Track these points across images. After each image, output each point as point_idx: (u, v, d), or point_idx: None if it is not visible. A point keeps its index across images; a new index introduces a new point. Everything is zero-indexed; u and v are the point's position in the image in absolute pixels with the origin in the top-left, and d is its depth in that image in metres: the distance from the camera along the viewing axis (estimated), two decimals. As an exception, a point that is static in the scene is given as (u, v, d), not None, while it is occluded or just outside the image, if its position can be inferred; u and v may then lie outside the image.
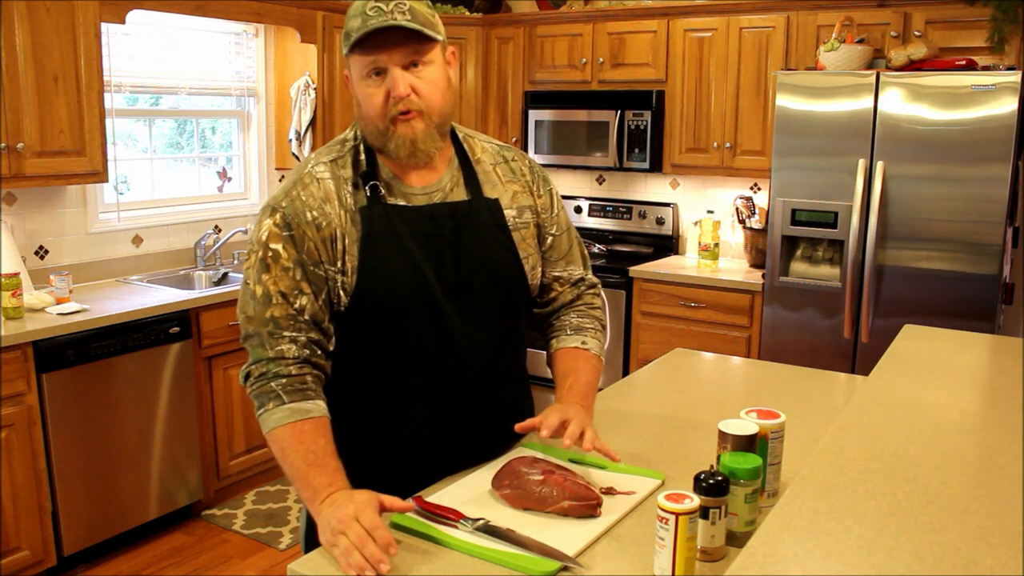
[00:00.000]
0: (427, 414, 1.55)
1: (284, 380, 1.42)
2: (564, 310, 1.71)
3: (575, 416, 1.46)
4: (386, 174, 1.53)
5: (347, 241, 1.47)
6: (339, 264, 1.47)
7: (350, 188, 1.50)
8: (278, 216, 1.46)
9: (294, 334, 1.44)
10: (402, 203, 1.52)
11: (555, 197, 1.70)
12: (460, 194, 1.57)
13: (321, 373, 1.48)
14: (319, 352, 1.47)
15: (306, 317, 1.45)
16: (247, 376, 1.46)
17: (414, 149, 1.47)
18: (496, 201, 1.59)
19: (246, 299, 1.47)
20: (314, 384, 1.45)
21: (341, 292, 1.48)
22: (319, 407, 1.43)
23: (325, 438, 1.41)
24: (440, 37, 1.45)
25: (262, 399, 1.43)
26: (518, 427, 1.46)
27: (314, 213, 1.46)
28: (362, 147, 1.53)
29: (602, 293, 1.79)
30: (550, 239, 1.68)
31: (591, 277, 1.76)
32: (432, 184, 1.55)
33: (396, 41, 1.41)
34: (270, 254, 1.45)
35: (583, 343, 1.66)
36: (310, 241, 1.46)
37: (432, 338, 1.51)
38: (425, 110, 1.46)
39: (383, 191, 1.51)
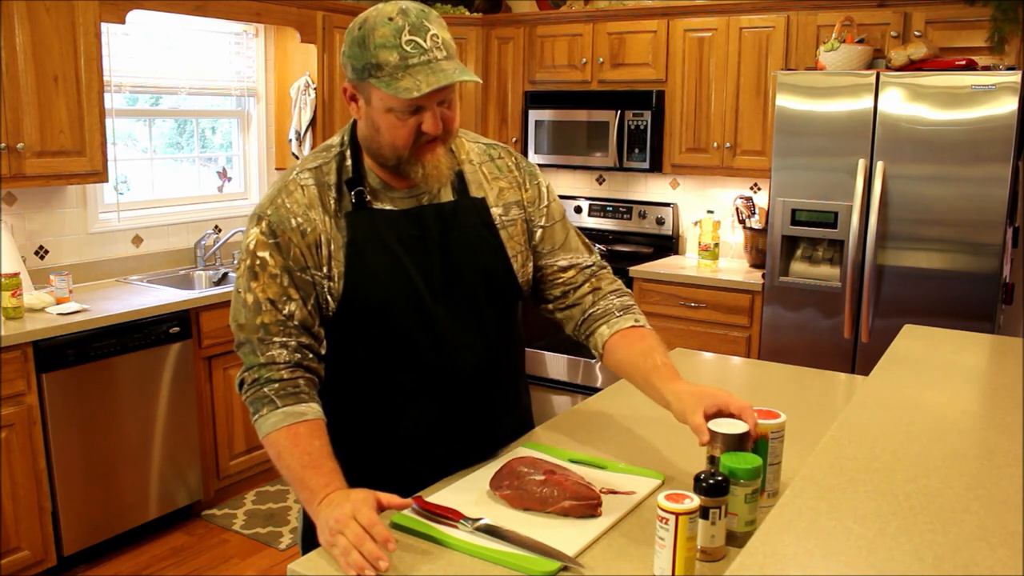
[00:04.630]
0: (422, 416, 1.55)
1: (276, 385, 1.43)
2: (596, 297, 1.65)
3: (729, 397, 1.39)
4: (373, 179, 1.52)
5: (332, 247, 1.47)
6: (325, 269, 1.47)
7: (335, 193, 1.49)
8: (264, 224, 1.47)
9: (284, 339, 1.45)
10: (389, 207, 1.52)
11: (543, 190, 1.67)
12: (447, 195, 1.56)
13: (314, 376, 1.49)
14: (311, 355, 1.48)
15: (295, 322, 1.46)
16: (241, 383, 1.48)
17: (437, 173, 1.47)
18: (482, 200, 1.58)
19: (237, 307, 1.48)
20: (307, 387, 1.46)
21: (329, 297, 1.48)
22: (313, 409, 1.43)
23: (320, 440, 1.41)
24: (478, 79, 1.42)
25: (256, 405, 1.44)
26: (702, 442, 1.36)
27: (299, 219, 1.47)
28: (348, 153, 1.52)
29: None
30: (539, 231, 1.65)
31: (600, 260, 1.71)
32: (419, 186, 1.53)
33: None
34: (258, 262, 1.46)
35: (636, 320, 1.61)
36: (295, 247, 1.46)
37: (423, 340, 1.51)
38: (448, 137, 1.47)
39: (369, 196, 1.51)
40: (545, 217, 1.66)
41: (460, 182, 1.58)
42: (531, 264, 1.65)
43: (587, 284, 1.66)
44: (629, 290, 1.71)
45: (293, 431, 1.40)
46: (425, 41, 1.36)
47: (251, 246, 1.47)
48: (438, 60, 1.37)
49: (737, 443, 1.33)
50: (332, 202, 1.49)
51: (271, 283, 1.45)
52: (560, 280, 1.66)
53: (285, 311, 1.45)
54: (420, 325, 1.50)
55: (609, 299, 1.64)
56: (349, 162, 1.51)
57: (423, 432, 1.56)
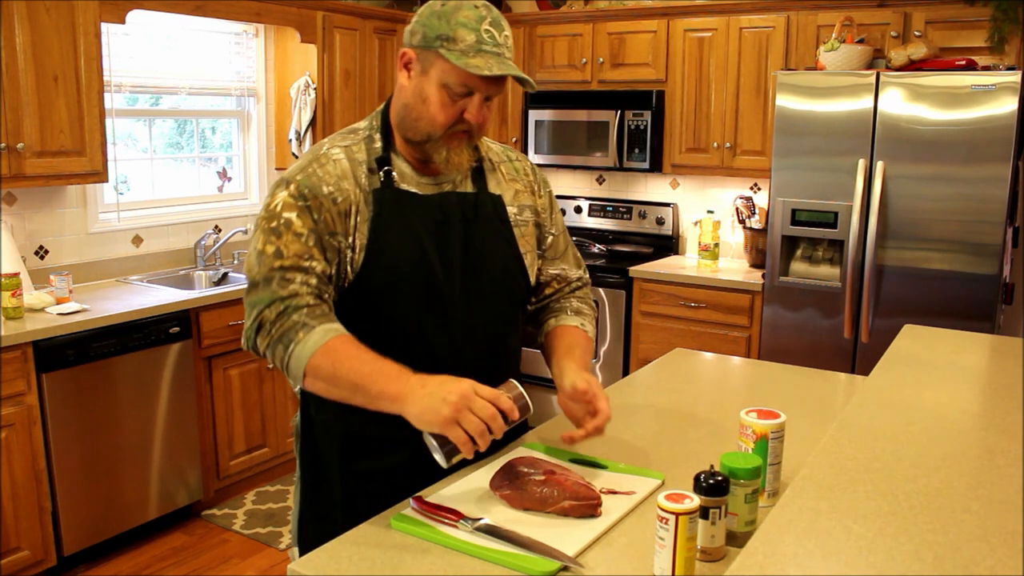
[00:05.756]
0: None
1: (305, 309, 1.43)
2: (563, 295, 1.76)
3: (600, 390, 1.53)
4: (401, 164, 1.56)
5: (359, 218, 1.50)
6: (350, 239, 1.49)
7: (365, 170, 1.53)
8: (292, 187, 1.48)
9: (305, 278, 1.45)
10: (414, 190, 1.55)
11: (552, 199, 1.77)
12: (468, 187, 1.61)
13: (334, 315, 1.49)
14: (328, 297, 1.48)
15: (318, 272, 1.46)
16: (260, 326, 1.44)
17: (458, 160, 1.52)
18: (500, 197, 1.64)
19: (252, 260, 1.47)
20: (335, 317, 1.46)
21: (348, 268, 1.50)
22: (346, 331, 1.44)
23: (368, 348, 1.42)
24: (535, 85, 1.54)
25: (288, 336, 1.42)
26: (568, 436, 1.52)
27: (330, 188, 1.49)
28: (377, 136, 1.56)
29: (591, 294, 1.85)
30: (550, 239, 1.74)
31: (585, 276, 1.82)
32: (444, 175, 1.58)
33: (498, 77, 1.46)
34: (282, 221, 1.46)
35: (582, 325, 1.72)
36: (326, 212, 1.47)
37: (431, 322, 1.53)
38: (479, 132, 1.53)
39: (396, 177, 1.54)
40: (554, 227, 1.75)
41: (479, 176, 1.63)
42: (536, 266, 1.71)
43: (561, 292, 1.77)
44: (593, 305, 1.81)
45: (343, 338, 1.41)
46: (499, 36, 1.46)
47: (277, 208, 1.47)
48: (505, 56, 1.46)
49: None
50: (363, 177, 1.52)
51: (295, 241, 1.45)
52: (546, 285, 1.76)
53: (307, 265, 1.45)
54: (431, 305, 1.52)
55: (571, 301, 1.75)
56: (378, 144, 1.55)
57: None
